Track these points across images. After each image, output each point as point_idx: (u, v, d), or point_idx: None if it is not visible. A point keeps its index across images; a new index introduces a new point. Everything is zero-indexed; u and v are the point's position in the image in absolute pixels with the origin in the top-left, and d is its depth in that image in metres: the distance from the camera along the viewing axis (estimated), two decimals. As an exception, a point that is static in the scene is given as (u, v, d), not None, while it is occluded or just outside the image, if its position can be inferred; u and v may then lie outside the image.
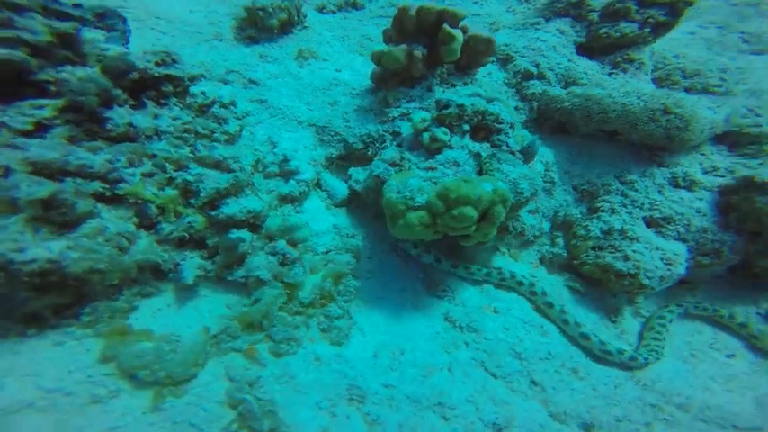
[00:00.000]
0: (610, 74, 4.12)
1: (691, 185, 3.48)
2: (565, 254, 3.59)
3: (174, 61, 3.09)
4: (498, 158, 2.92)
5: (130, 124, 2.68)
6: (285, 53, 4.25)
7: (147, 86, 2.95)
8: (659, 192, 3.48)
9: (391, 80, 3.64)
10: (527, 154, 3.19)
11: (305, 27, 4.54)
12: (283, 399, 2.24)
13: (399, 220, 2.67)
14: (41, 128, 2.42)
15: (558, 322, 3.04)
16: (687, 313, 3.43)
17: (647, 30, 4.03)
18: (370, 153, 3.54)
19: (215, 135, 3.21)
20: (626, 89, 3.53)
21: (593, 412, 2.58)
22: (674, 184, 3.51)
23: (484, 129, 3.18)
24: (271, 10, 4.18)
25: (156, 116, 2.91)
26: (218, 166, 2.82)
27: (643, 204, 3.46)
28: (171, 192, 2.63)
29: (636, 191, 3.51)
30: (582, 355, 2.94)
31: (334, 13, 5.02)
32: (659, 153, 3.57)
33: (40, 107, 2.44)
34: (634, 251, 3.24)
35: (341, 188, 3.48)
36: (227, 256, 2.62)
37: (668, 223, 3.39)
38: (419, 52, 3.35)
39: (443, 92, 3.46)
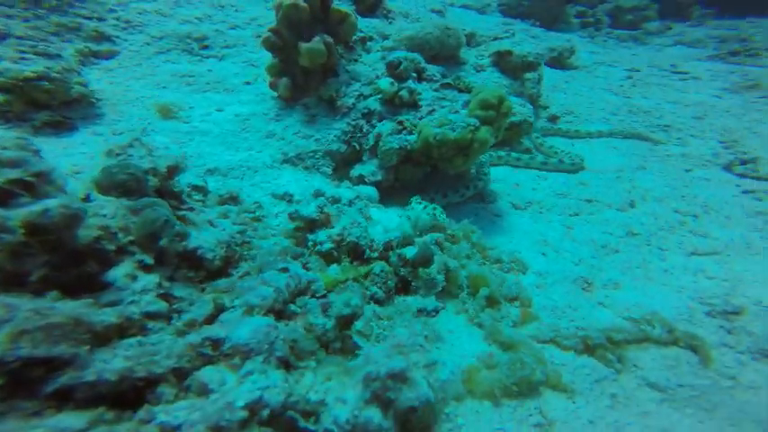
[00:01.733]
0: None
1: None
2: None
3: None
4: (458, 77, 3.61)
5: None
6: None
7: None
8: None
9: (313, 80, 3.46)
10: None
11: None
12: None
13: (474, 143, 3.02)
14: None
15: None
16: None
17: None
18: (357, 147, 3.41)
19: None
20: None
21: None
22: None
23: (419, 71, 3.72)
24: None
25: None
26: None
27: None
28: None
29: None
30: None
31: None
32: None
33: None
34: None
35: (368, 190, 3.27)
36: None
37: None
38: (330, 39, 3.36)
39: (366, 56, 3.65)
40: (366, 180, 3.29)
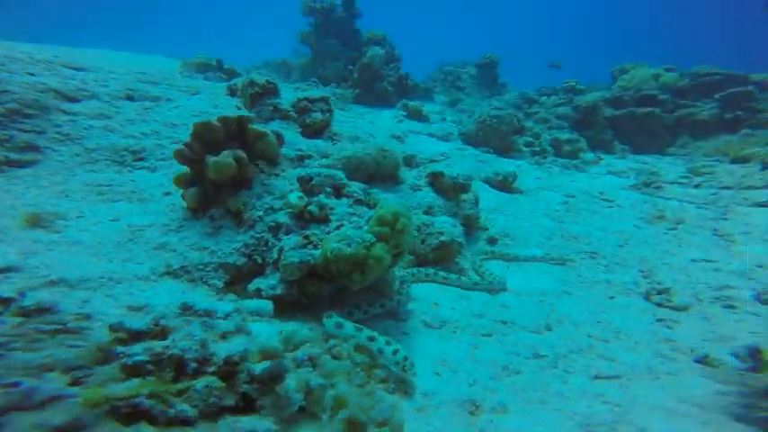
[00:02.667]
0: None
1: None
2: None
3: None
4: (368, 193, 3.68)
5: None
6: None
7: None
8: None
9: (223, 193, 3.48)
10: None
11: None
12: None
13: (369, 260, 2.90)
14: None
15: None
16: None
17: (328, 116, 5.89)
18: (259, 260, 3.25)
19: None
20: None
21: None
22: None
23: (337, 188, 3.81)
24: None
25: None
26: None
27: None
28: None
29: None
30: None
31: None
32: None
33: None
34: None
35: (259, 304, 3.00)
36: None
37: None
38: (243, 154, 3.49)
39: (291, 172, 3.75)
40: (263, 294, 3.05)
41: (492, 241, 5.69)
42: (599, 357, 3.30)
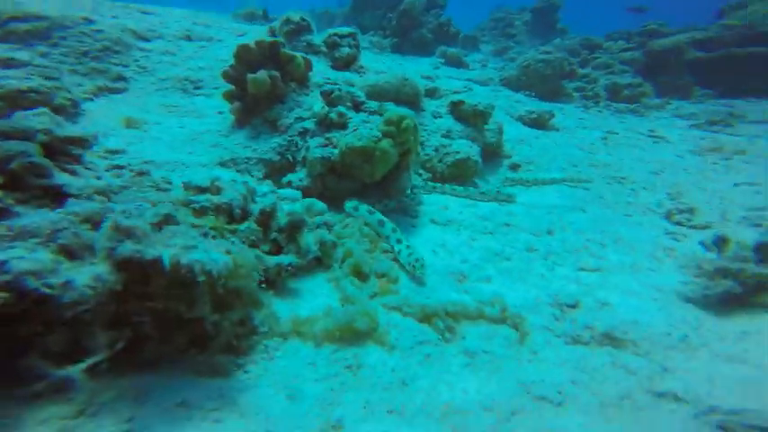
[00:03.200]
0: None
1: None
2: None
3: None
4: (382, 104, 4.14)
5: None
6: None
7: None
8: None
9: (261, 105, 4.15)
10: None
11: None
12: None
13: (376, 152, 3.42)
14: None
15: None
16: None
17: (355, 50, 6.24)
18: (290, 159, 3.92)
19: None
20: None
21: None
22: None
23: (356, 103, 4.32)
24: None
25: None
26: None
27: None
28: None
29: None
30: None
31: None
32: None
33: None
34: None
35: (291, 192, 3.67)
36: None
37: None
38: (277, 73, 4.09)
39: (312, 94, 4.33)
40: (293, 185, 3.72)
41: (514, 167, 5.91)
42: (590, 256, 3.55)
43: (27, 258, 1.53)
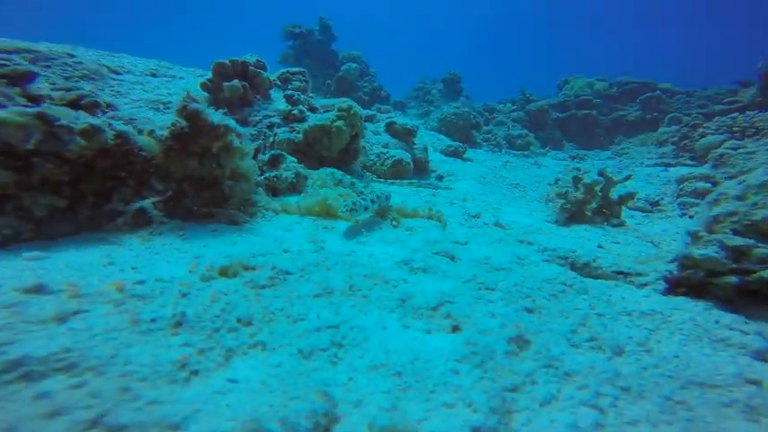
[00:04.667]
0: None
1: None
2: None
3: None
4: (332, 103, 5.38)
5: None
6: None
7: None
8: (377, 133, 7.07)
9: (234, 108, 5.14)
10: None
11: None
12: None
13: (332, 128, 4.54)
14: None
15: None
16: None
17: (305, 84, 7.71)
18: (261, 144, 4.85)
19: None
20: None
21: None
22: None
23: (312, 108, 5.50)
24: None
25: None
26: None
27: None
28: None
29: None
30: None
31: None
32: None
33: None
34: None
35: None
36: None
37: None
38: (246, 83, 5.19)
39: (276, 99, 5.43)
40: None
41: (439, 178, 7.35)
42: (493, 207, 4.85)
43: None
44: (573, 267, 2.58)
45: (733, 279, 2.06)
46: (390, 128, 7.06)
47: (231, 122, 2.74)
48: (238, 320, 1.57)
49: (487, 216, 3.87)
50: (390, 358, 1.41)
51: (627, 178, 4.15)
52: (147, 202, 2.49)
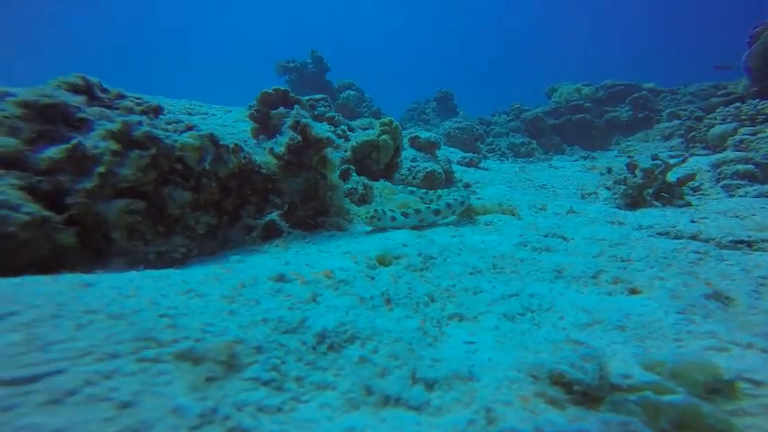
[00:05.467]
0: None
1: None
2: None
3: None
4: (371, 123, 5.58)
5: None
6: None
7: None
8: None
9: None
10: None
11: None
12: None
13: (380, 142, 4.71)
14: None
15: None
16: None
17: (329, 109, 7.97)
18: (310, 164, 5.00)
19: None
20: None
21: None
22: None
23: (350, 128, 5.70)
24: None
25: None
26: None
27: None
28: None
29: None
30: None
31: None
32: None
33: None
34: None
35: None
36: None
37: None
38: (284, 110, 5.38)
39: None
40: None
41: (467, 186, 7.53)
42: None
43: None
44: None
45: None
46: (414, 142, 7.28)
47: (332, 135, 2.88)
48: (427, 296, 1.64)
49: (553, 207, 4.02)
50: (598, 316, 1.49)
51: (683, 161, 4.36)
52: (274, 215, 2.58)
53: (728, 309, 1.64)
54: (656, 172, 4.16)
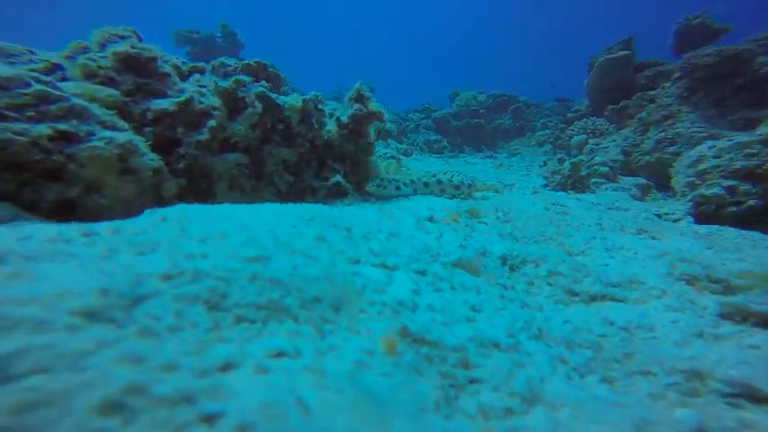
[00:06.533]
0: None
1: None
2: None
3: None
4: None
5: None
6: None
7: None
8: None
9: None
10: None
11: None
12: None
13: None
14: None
15: None
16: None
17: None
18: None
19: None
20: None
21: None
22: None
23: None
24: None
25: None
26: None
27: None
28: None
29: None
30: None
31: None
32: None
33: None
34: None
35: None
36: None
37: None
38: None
39: None
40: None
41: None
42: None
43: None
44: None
45: (732, 209, 3.42)
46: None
47: (382, 108, 3.06)
48: (539, 235, 2.12)
49: (519, 189, 4.89)
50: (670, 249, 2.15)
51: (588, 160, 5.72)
52: (338, 177, 2.66)
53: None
54: (580, 166, 5.39)
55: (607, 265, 1.76)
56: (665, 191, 6.26)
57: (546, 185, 5.55)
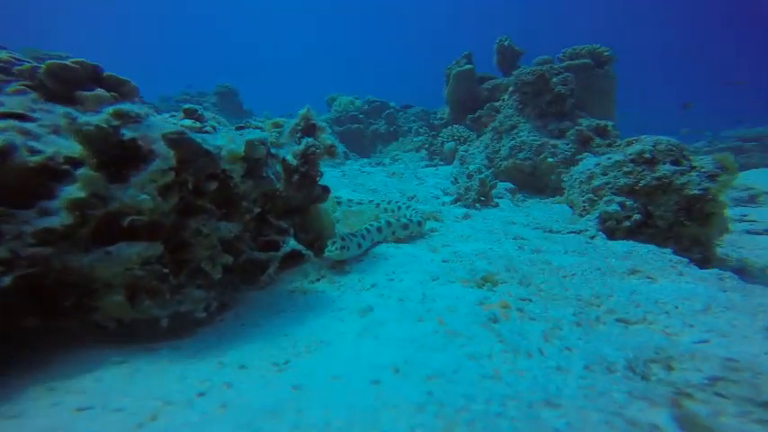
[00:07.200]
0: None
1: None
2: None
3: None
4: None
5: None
6: None
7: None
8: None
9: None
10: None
11: None
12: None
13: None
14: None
15: None
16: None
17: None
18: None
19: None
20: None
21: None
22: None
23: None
24: None
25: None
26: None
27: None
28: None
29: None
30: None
31: None
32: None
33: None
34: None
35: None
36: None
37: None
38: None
39: None
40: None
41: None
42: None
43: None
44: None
45: (627, 223, 3.85)
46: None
47: (335, 140, 2.38)
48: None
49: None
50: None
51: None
52: (291, 242, 1.91)
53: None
54: (486, 182, 5.58)
55: (706, 341, 1.58)
56: (524, 192, 7.72)
57: (457, 201, 5.56)
